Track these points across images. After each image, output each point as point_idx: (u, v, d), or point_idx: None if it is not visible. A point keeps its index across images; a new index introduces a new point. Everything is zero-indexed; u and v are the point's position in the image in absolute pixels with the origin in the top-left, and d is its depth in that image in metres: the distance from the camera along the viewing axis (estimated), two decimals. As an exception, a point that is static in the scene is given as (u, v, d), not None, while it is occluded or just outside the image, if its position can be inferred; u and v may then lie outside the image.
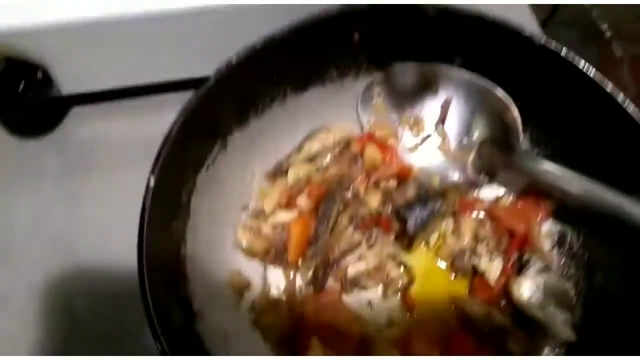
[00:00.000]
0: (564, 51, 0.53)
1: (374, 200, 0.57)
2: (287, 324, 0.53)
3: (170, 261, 0.46)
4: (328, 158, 0.58)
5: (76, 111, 0.64)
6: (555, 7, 1.37)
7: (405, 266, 0.57)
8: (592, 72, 0.52)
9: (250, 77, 0.51)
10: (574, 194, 0.53)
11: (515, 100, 0.58)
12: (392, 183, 0.59)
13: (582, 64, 0.53)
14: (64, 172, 0.61)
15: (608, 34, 1.25)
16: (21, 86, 0.54)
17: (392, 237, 0.58)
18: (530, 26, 0.54)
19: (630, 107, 0.51)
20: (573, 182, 0.52)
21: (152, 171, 0.43)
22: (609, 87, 0.52)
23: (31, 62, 0.54)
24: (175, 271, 0.47)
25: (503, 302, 0.56)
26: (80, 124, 0.63)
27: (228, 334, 0.50)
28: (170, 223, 0.47)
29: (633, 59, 1.18)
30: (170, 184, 0.46)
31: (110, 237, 0.56)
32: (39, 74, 0.55)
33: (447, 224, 0.60)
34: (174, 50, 0.58)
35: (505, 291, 0.56)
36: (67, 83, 0.59)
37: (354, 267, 0.55)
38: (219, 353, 0.47)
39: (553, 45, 0.53)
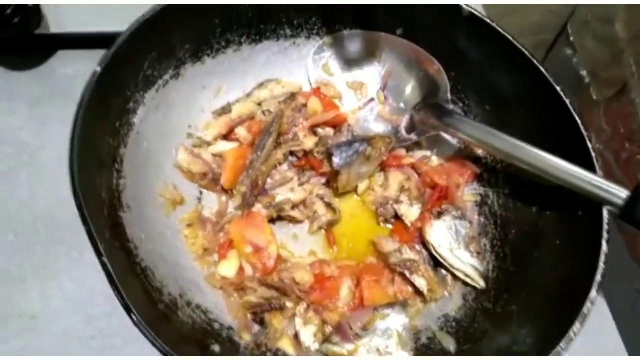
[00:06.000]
0: (494, 23, 0.59)
1: (309, 142, 0.62)
2: (211, 238, 0.57)
3: (105, 152, 0.51)
4: (273, 105, 0.64)
5: (62, 52, 0.71)
6: (544, 58, 1.46)
7: (331, 206, 0.61)
8: (517, 43, 0.59)
9: (205, 13, 0.58)
10: (497, 151, 0.57)
11: (449, 70, 0.64)
12: (329, 130, 0.64)
13: (508, 36, 0.59)
14: (40, 101, 0.68)
15: (587, 79, 1.33)
16: (9, 9, 0.61)
17: (323, 181, 0.63)
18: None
19: (544, 69, 0.57)
20: (496, 140, 0.56)
21: (100, 64, 0.50)
22: (526, 53, 0.58)
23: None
24: (109, 163, 0.52)
25: (419, 246, 0.60)
26: (64, 64, 0.70)
27: (154, 232, 0.54)
28: (110, 119, 0.52)
29: (607, 101, 1.24)
30: (115, 84, 0.52)
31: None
32: (30, 2, 0.63)
33: (377, 177, 0.64)
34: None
35: (421, 235, 0.59)
36: (57, 22, 0.67)
37: (282, 195, 0.59)
38: (139, 244, 0.51)
39: (483, 16, 0.60)
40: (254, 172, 0.58)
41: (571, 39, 1.32)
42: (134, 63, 0.55)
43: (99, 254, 0.42)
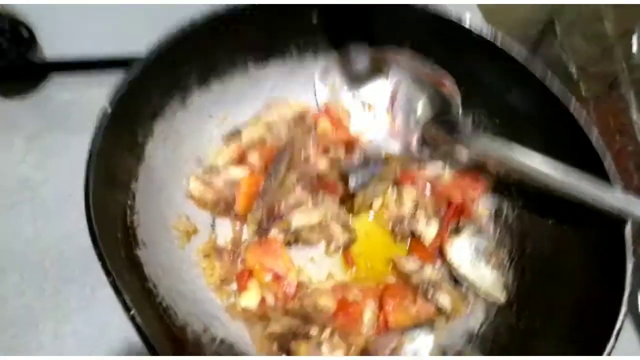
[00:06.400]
0: (499, 39, 0.59)
1: (322, 164, 0.61)
2: (228, 268, 0.56)
3: (118, 191, 0.50)
4: (283, 128, 0.63)
5: (57, 78, 0.69)
6: (530, 54, 1.47)
7: (347, 227, 0.60)
8: (522, 57, 0.58)
9: (211, 40, 0.57)
10: (511, 165, 0.56)
11: (458, 84, 0.64)
12: (341, 151, 0.63)
13: (515, 50, 0.58)
14: (39, 132, 0.65)
15: (575, 76, 1.34)
16: (4, 39, 0.59)
17: (337, 200, 0.62)
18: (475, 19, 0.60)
19: (554, 87, 0.57)
20: (510, 153, 0.55)
21: (110, 102, 0.48)
22: (539, 70, 0.58)
23: (19, 19, 0.60)
24: (123, 201, 0.50)
25: (438, 263, 0.59)
26: (60, 90, 0.68)
27: (170, 267, 0.53)
28: (122, 155, 0.51)
29: (596, 98, 1.25)
30: (126, 120, 0.51)
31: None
32: (24, 32, 0.61)
33: (391, 193, 0.64)
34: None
35: (441, 252, 0.59)
36: (51, 48, 0.65)
37: (298, 219, 0.58)
38: (157, 282, 0.50)
39: (487, 33, 0.59)
40: (269, 199, 0.57)
41: (559, 36, 1.33)
42: (143, 97, 0.53)
43: (127, 309, 0.41)
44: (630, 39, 1.10)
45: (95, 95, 0.62)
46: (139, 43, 0.61)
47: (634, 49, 1.09)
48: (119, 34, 0.65)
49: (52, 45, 0.65)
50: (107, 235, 0.45)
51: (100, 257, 0.42)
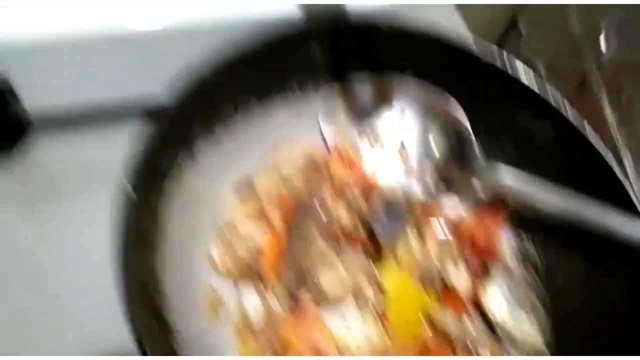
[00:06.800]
0: (507, 63, 0.57)
1: (343, 215, 0.58)
2: (264, 347, 0.52)
3: (148, 280, 0.45)
4: (293, 172, 0.59)
5: (40, 136, 0.62)
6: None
7: (377, 283, 0.57)
8: (530, 79, 0.57)
9: (218, 87, 0.53)
10: (527, 198, 0.56)
11: (466, 110, 0.61)
12: (361, 200, 0.60)
13: (520, 67, 0.57)
14: (29, 202, 0.58)
15: (543, 72, 1.35)
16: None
17: (361, 253, 0.59)
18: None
19: (567, 111, 0.57)
20: (525, 186, 0.55)
21: (130, 181, 0.43)
22: (551, 96, 0.57)
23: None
24: (153, 290, 0.46)
25: (474, 311, 0.58)
26: (44, 151, 0.61)
27: (205, 348, 0.49)
28: (146, 239, 0.46)
29: (568, 99, 1.27)
30: (145, 194, 0.46)
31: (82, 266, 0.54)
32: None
33: (413, 239, 0.61)
34: (144, 71, 0.58)
35: (474, 300, 0.57)
36: (33, 100, 0.58)
37: (326, 277, 0.55)
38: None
39: (495, 58, 0.58)
40: (297, 264, 0.54)
41: (523, 34, 1.34)
42: (157, 159, 0.49)
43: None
44: (598, 38, 1.11)
45: (90, 154, 0.57)
46: (127, 90, 0.57)
47: (602, 47, 1.11)
48: (109, 81, 0.59)
49: (34, 97, 0.57)
50: (144, 327, 0.41)
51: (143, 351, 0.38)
